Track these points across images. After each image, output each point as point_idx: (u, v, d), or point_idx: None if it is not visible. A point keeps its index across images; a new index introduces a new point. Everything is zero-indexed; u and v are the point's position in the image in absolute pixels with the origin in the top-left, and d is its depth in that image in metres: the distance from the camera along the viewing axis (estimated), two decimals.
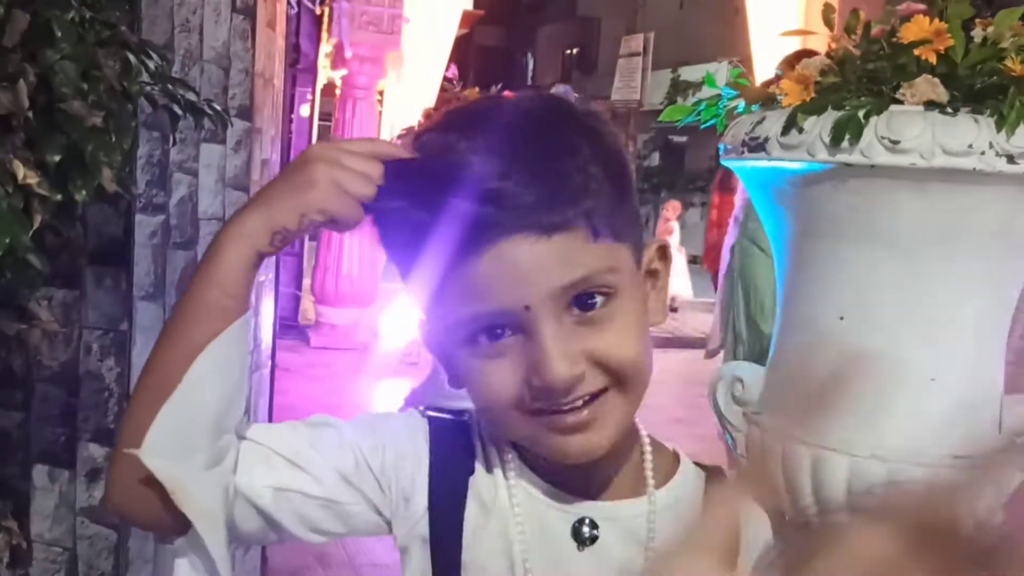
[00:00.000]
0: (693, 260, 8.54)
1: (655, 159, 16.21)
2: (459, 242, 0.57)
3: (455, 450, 0.67)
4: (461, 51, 5.71)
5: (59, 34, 0.93)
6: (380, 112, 5.76)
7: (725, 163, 1.80)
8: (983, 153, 1.48)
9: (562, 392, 0.58)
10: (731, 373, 1.83)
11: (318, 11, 5.66)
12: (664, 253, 0.66)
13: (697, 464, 0.71)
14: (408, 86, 5.43)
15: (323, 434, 0.65)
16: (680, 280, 8.04)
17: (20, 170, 1.00)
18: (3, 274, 1.05)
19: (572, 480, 0.66)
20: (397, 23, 5.42)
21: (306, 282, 6.21)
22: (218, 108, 1.28)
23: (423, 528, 0.65)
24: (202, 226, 1.44)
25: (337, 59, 5.72)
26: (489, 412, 0.63)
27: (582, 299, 0.59)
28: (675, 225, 8.58)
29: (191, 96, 1.24)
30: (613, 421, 0.61)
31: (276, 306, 2.11)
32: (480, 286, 0.58)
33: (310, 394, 4.38)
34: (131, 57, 1.07)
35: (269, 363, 2.01)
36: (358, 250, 5.75)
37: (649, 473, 0.68)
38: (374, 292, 5.84)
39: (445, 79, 4.99)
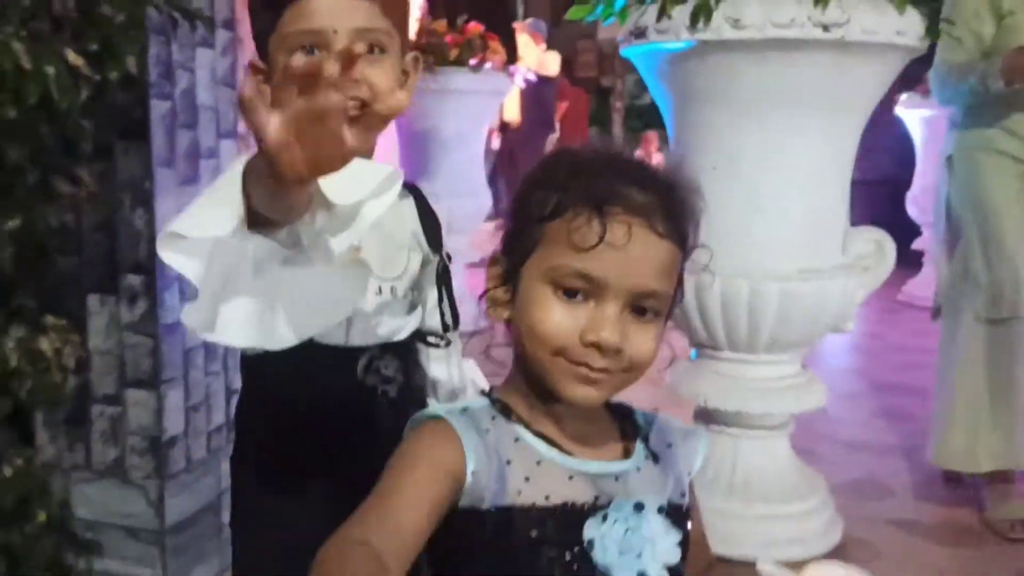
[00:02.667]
0: None
1: (646, 99, 16.37)
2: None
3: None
4: None
5: None
6: None
7: (622, 52, 2.23)
8: (803, 25, 1.89)
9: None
10: None
11: None
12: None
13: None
14: None
15: None
16: None
17: (70, 55, 1.43)
18: (64, 133, 1.49)
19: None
20: None
21: None
22: (207, 15, 1.70)
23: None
24: (200, 112, 1.87)
25: None
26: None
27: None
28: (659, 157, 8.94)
29: (187, 6, 1.67)
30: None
31: None
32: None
33: None
34: None
35: None
36: None
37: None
38: None
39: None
